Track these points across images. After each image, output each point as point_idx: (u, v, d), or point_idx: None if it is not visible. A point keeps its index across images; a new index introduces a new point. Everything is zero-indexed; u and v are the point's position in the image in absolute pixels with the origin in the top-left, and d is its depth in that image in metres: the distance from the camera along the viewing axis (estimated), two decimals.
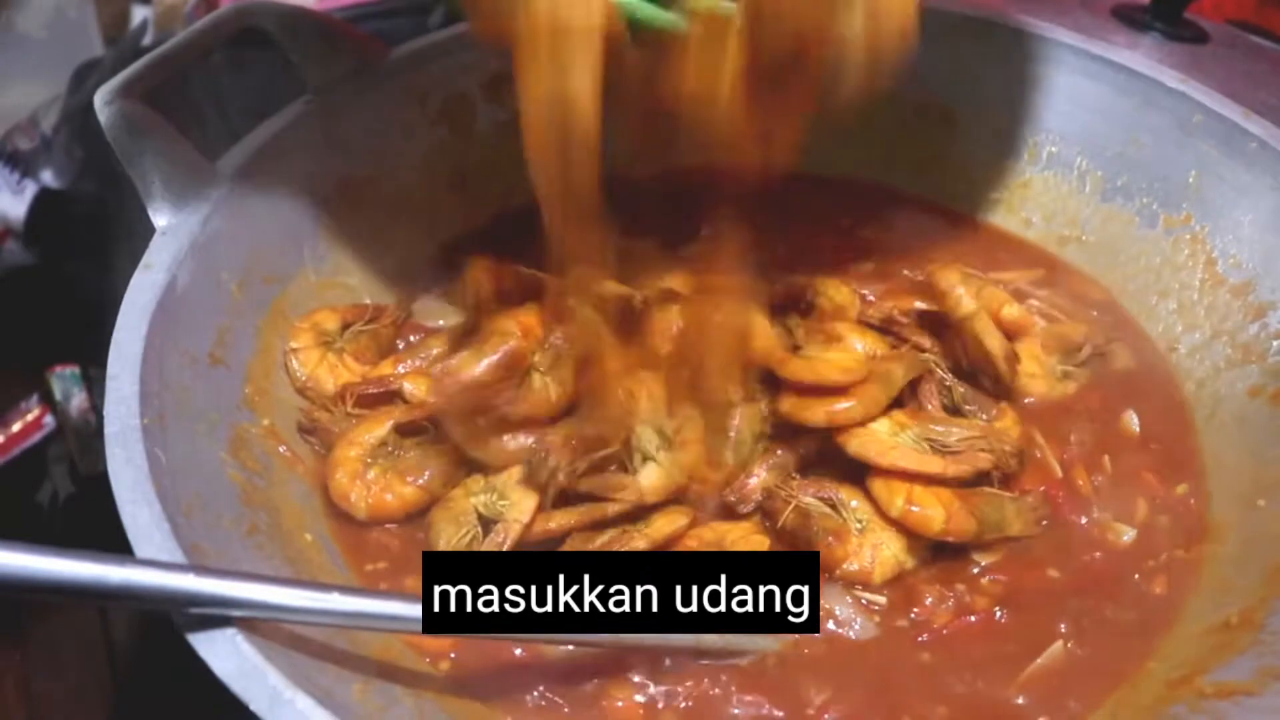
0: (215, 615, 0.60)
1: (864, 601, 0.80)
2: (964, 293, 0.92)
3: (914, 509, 0.80)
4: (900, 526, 0.81)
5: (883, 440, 0.83)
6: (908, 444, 0.83)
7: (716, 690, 0.74)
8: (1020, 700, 0.74)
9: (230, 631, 0.60)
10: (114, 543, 0.63)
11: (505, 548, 0.77)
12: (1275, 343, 0.91)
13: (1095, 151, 1.06)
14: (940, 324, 0.94)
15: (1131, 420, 0.93)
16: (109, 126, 0.81)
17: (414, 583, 0.79)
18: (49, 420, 1.39)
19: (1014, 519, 0.83)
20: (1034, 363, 0.94)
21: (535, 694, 0.73)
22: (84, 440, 1.33)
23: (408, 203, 1.06)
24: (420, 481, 0.83)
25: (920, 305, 0.98)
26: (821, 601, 0.76)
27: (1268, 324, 0.92)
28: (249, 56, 1.31)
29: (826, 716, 0.73)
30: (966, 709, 0.74)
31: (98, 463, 0.69)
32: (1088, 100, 1.05)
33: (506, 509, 0.79)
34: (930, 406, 0.88)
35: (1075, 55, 1.04)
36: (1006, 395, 0.92)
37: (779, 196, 1.11)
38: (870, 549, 0.80)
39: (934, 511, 0.80)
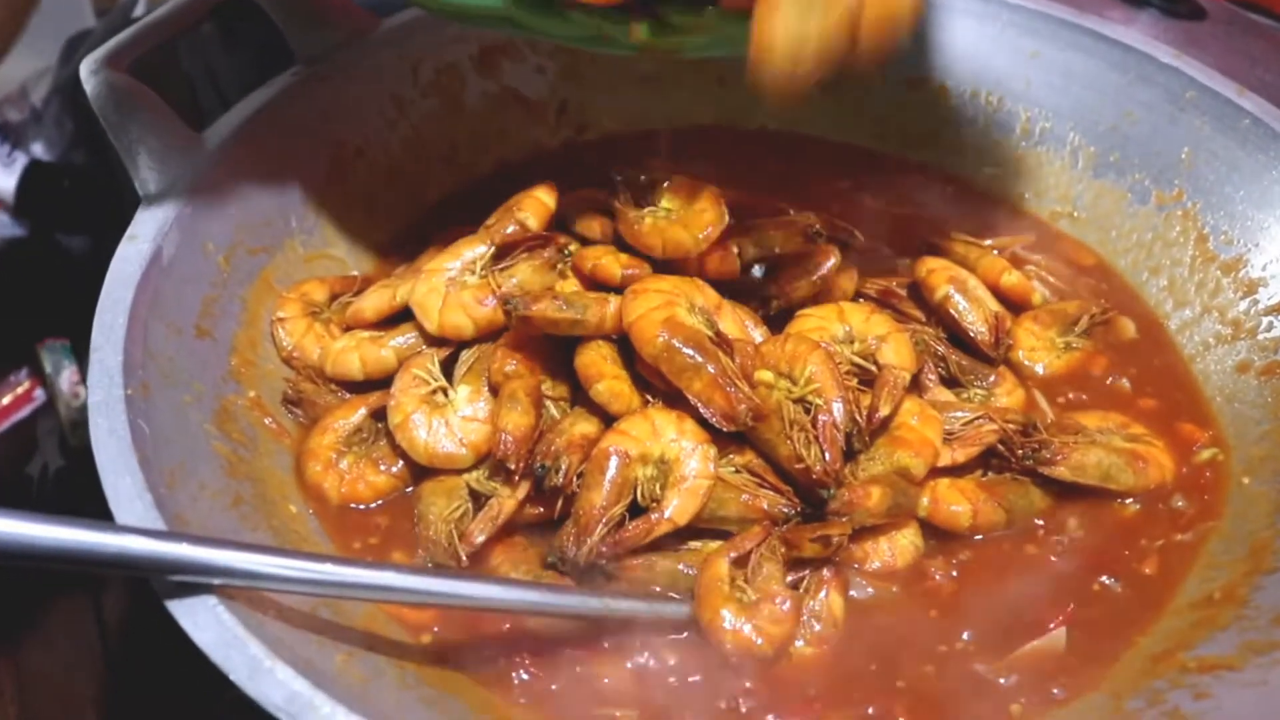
0: (197, 583, 0.60)
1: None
2: (938, 280, 0.93)
3: (940, 507, 0.80)
4: (929, 526, 0.80)
5: None
6: None
7: (700, 676, 0.73)
8: (1002, 681, 0.73)
9: (211, 601, 0.60)
10: (104, 516, 0.63)
11: (499, 522, 0.77)
12: (1265, 319, 0.91)
13: (1087, 127, 1.05)
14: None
15: (1129, 387, 0.93)
16: (95, 96, 0.81)
17: (400, 557, 0.80)
18: (39, 393, 1.38)
19: (1040, 501, 0.83)
20: (1033, 338, 0.94)
21: (521, 670, 0.72)
22: (74, 413, 1.33)
23: (397, 174, 1.05)
24: (394, 470, 0.84)
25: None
26: (850, 592, 0.77)
27: (1258, 300, 0.92)
28: (239, 27, 1.31)
29: (818, 704, 0.72)
30: (952, 676, 0.73)
31: (87, 436, 0.69)
32: (1080, 75, 1.04)
33: (499, 485, 0.79)
34: (930, 382, 0.88)
35: (1068, 30, 1.04)
36: (1002, 360, 0.92)
37: (779, 156, 1.11)
38: (887, 541, 0.79)
39: (960, 508, 0.80)
